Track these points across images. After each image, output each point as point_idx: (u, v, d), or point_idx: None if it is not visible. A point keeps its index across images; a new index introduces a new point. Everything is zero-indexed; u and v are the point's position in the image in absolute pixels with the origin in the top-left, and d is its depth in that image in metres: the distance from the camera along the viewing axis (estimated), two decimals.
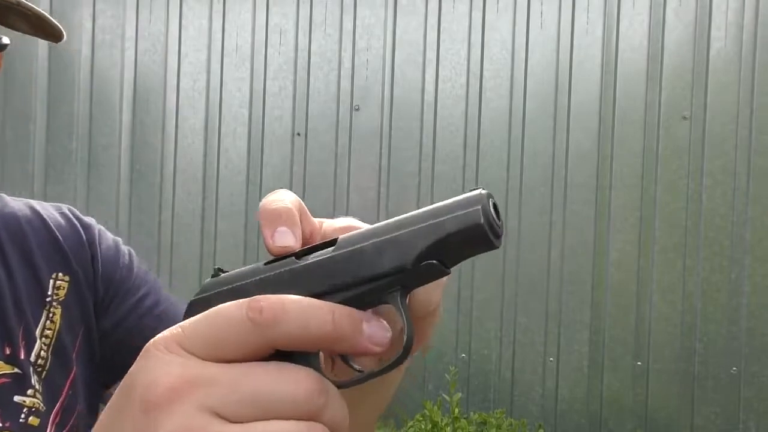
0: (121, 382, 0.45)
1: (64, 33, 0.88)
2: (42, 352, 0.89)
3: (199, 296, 0.51)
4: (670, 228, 4.12)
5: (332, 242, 0.49)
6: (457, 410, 3.99)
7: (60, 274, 0.93)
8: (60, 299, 0.92)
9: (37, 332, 0.90)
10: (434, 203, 0.48)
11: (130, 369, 0.45)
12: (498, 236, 0.46)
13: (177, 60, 4.60)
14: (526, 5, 4.29)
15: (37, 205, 0.97)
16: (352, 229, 0.53)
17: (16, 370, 0.86)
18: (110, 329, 0.95)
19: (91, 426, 0.51)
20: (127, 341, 0.94)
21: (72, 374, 0.91)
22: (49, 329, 0.91)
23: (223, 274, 0.52)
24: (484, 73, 4.34)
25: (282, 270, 0.49)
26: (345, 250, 0.48)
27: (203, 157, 4.57)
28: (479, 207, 0.46)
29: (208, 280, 0.52)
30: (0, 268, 0.90)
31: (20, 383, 0.86)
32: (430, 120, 4.37)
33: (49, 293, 0.92)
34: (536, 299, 4.20)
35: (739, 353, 4.09)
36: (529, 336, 4.21)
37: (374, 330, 0.45)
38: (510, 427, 4.09)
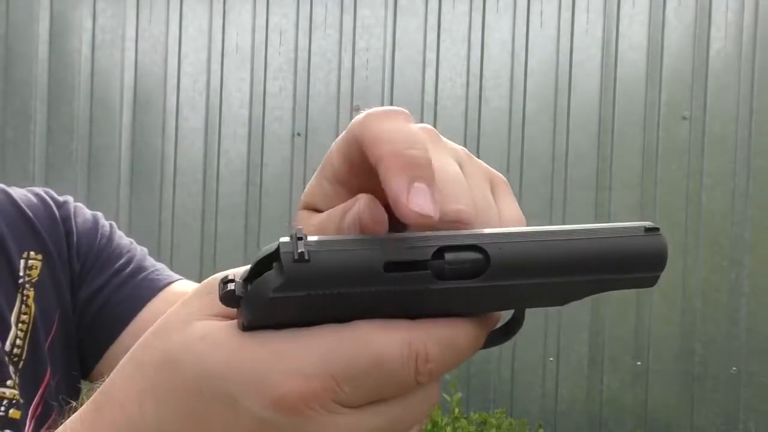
0: None
1: None
2: (18, 341, 0.82)
3: (290, 294, 0.38)
4: (670, 228, 4.12)
5: (475, 248, 0.39)
6: (457, 410, 3.99)
7: (32, 253, 0.86)
8: (33, 280, 0.85)
9: (12, 318, 0.83)
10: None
11: (258, 424, 0.38)
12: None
13: (177, 60, 4.60)
14: (526, 5, 4.29)
15: (9, 188, 0.90)
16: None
17: None
18: (86, 302, 0.88)
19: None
20: (104, 313, 0.87)
21: (50, 364, 0.84)
22: (25, 314, 0.84)
23: (316, 254, 0.38)
24: (484, 73, 4.34)
25: (416, 289, 0.39)
26: (504, 283, 0.40)
27: (203, 157, 4.57)
28: (661, 235, 0.41)
29: (288, 259, 0.38)
30: None
31: None
32: (430, 120, 4.37)
33: (21, 274, 0.85)
34: None
35: (739, 353, 4.09)
36: (529, 336, 4.21)
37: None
38: (510, 427, 4.09)
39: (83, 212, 0.93)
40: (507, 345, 4.24)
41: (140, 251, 0.94)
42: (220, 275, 0.41)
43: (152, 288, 0.89)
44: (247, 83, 4.55)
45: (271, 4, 4.52)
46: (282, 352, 0.38)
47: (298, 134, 4.49)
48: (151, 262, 0.93)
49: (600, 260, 0.40)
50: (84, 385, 0.86)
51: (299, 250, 0.37)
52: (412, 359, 0.38)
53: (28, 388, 0.82)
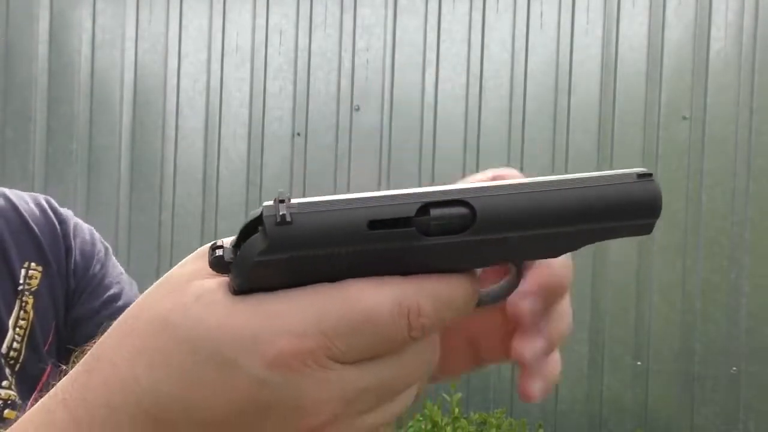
0: (247, 396, 0.39)
1: None
2: (15, 344, 0.85)
3: (275, 256, 0.38)
4: (670, 228, 4.12)
5: (461, 203, 0.40)
6: (457, 410, 3.99)
7: (33, 264, 0.89)
8: (32, 289, 0.88)
9: (10, 322, 0.86)
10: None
11: (255, 384, 0.39)
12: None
13: (177, 60, 4.60)
14: (526, 6, 4.29)
15: (12, 194, 0.93)
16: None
17: None
18: (77, 322, 0.90)
19: None
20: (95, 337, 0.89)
21: (48, 367, 0.87)
22: (23, 319, 0.86)
23: (299, 215, 0.38)
24: (484, 73, 4.34)
25: (402, 246, 0.39)
26: (492, 237, 0.40)
27: (203, 157, 4.57)
28: (654, 180, 0.41)
29: (271, 222, 0.38)
30: None
31: None
32: (430, 120, 4.37)
33: (21, 282, 0.88)
34: None
35: (739, 353, 4.09)
36: None
37: None
38: (510, 427, 4.09)
39: (82, 231, 0.95)
40: None
41: (128, 285, 0.95)
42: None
43: None
44: (247, 83, 4.55)
45: (271, 4, 4.52)
46: (274, 313, 0.39)
47: (298, 134, 4.49)
48: (136, 295, 0.95)
49: (591, 209, 0.40)
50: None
51: (281, 213, 0.38)
52: (404, 314, 0.39)
53: (24, 389, 0.84)
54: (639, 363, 4.17)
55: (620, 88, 4.22)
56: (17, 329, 0.85)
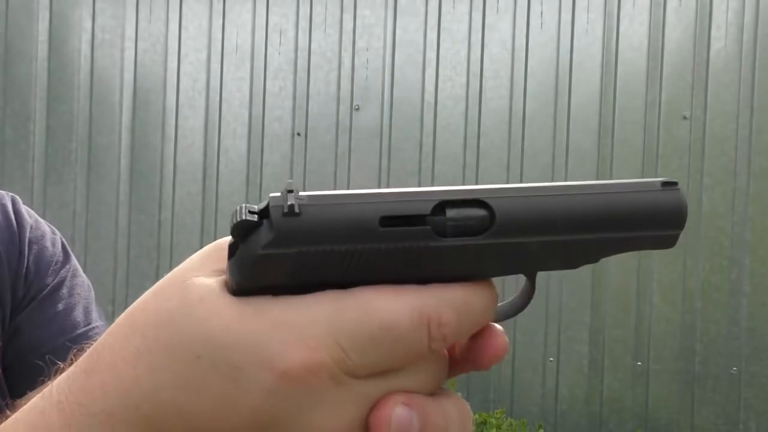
0: (253, 409, 0.37)
1: None
2: None
3: (281, 250, 0.36)
4: None
5: (479, 203, 0.38)
6: None
7: None
8: None
9: None
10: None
11: (263, 397, 0.36)
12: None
13: (177, 60, 4.60)
14: (526, 5, 4.29)
15: None
16: None
17: None
18: (18, 330, 0.88)
19: None
20: (32, 354, 0.86)
21: None
22: None
23: (308, 207, 0.36)
24: (484, 73, 4.34)
25: (415, 246, 0.37)
26: (511, 241, 0.38)
27: (203, 157, 4.57)
28: (679, 190, 0.39)
29: (277, 210, 0.36)
30: None
31: None
32: (430, 120, 4.37)
33: None
34: (536, 299, 4.18)
35: (739, 353, 4.09)
36: (529, 336, 4.21)
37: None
38: (510, 427, 4.09)
39: (42, 237, 0.92)
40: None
41: (84, 299, 0.92)
42: (229, 238, 0.39)
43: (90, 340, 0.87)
44: (247, 83, 4.55)
45: (271, 4, 4.52)
46: (284, 321, 0.36)
47: (298, 134, 4.49)
48: (96, 311, 0.92)
49: (613, 216, 0.38)
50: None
51: (289, 203, 0.36)
52: (424, 324, 0.37)
53: None
54: (639, 363, 4.17)
55: (620, 88, 4.22)
56: None
